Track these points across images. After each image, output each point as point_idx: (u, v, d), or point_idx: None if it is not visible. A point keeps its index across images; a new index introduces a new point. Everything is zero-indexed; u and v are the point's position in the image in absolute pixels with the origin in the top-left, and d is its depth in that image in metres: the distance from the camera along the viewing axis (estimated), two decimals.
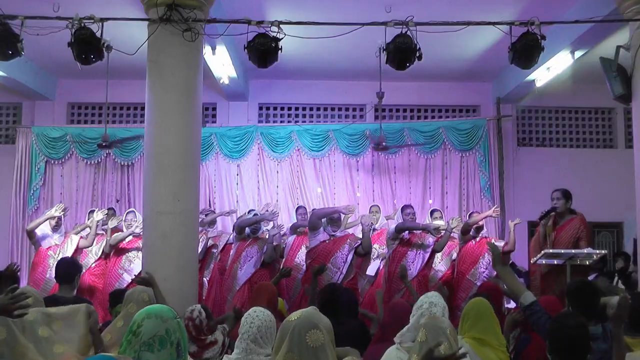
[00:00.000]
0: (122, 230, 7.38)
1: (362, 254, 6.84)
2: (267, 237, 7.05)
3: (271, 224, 7.22)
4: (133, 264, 7.10)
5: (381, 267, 7.30)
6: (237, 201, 9.16)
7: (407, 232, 6.90)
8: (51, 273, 6.83)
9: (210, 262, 7.62)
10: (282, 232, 7.52)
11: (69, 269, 4.82)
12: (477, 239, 7.16)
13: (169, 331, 2.03)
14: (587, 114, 10.33)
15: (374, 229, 7.80)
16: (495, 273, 6.34)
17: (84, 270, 6.44)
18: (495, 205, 8.36)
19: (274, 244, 7.12)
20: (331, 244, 6.72)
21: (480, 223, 7.16)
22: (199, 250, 7.16)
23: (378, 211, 8.01)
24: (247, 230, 6.88)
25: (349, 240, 6.80)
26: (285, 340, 2.12)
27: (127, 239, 7.23)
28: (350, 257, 6.77)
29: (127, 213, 7.42)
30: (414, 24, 5.51)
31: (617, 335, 3.03)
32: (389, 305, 4.16)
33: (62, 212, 7.35)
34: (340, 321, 3.89)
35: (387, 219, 8.05)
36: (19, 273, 5.66)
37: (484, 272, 6.94)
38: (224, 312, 6.41)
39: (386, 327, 3.63)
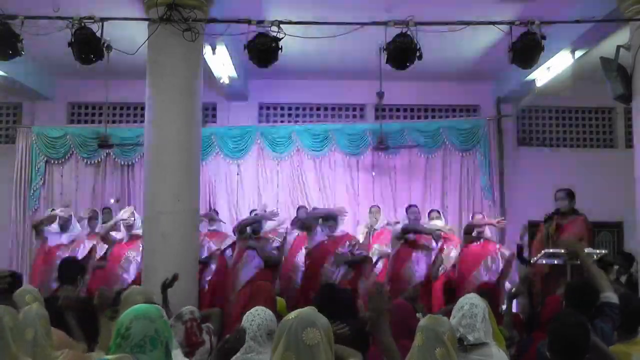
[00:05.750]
0: (118, 229, 7.34)
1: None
2: (269, 237, 6.93)
3: (271, 223, 7.16)
4: (132, 265, 7.05)
5: (381, 266, 7.29)
6: (237, 201, 9.16)
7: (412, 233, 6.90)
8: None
9: (211, 264, 7.56)
10: (282, 230, 7.41)
11: (71, 269, 4.81)
12: (481, 241, 7.09)
13: (158, 331, 1.99)
14: (587, 114, 10.33)
15: (374, 229, 7.78)
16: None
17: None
18: (502, 217, 8.10)
19: (276, 244, 7.01)
20: (330, 244, 6.69)
21: (482, 228, 7.07)
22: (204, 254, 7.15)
23: (378, 211, 7.99)
24: (248, 229, 6.84)
25: (347, 241, 6.78)
26: (282, 339, 2.11)
27: (120, 238, 7.18)
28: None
29: (124, 212, 7.37)
30: (414, 24, 5.51)
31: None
32: (391, 307, 4.15)
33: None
34: (338, 322, 3.86)
35: (389, 224, 7.85)
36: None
37: (484, 275, 6.87)
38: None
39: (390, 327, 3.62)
